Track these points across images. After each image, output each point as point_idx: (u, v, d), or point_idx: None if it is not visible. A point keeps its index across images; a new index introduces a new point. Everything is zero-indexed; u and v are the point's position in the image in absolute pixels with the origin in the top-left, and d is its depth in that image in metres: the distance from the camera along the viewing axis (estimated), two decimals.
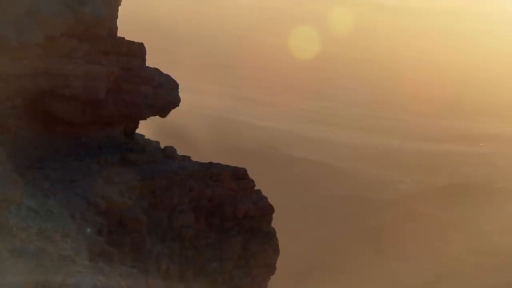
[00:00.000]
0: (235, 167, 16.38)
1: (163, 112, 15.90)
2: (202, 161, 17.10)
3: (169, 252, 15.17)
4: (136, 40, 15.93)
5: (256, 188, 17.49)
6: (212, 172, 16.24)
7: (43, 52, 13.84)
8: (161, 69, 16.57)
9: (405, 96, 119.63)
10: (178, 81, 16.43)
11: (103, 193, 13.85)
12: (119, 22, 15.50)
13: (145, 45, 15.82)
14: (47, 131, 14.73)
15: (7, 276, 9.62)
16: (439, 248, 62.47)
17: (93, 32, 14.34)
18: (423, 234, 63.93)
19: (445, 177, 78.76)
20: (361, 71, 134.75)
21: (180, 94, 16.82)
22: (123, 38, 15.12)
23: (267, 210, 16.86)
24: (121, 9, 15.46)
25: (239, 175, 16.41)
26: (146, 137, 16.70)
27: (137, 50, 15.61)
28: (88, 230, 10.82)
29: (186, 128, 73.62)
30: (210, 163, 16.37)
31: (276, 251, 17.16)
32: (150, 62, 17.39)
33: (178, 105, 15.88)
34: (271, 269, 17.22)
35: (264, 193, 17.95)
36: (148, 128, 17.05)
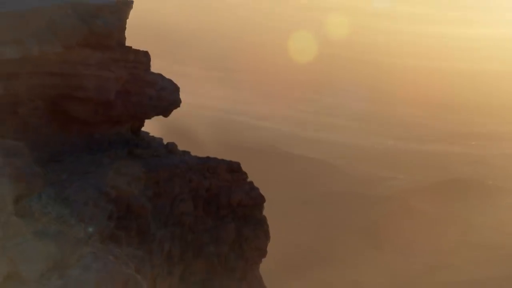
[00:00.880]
0: (230, 161, 17.12)
1: (165, 112, 16.71)
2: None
3: (171, 236, 15.69)
4: (143, 46, 16.66)
5: (257, 184, 18.13)
6: (209, 166, 16.89)
7: (61, 60, 14.43)
8: (166, 71, 17.44)
9: (400, 98, 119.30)
10: (182, 83, 17.27)
11: (113, 183, 14.25)
12: (128, 28, 16.03)
13: (152, 49, 16.55)
14: (64, 129, 15.28)
15: (30, 254, 9.99)
16: (432, 242, 61.76)
17: (104, 42, 15.04)
18: (417, 228, 62.79)
19: (438, 174, 77.83)
20: (357, 73, 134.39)
21: (184, 95, 17.60)
22: (130, 47, 15.86)
23: (259, 200, 17.54)
24: (130, 16, 15.94)
25: (234, 168, 17.15)
26: (151, 134, 17.36)
27: (143, 57, 16.33)
28: (90, 229, 10.85)
29: (190, 127, 73.67)
30: (208, 158, 17.11)
31: (267, 236, 17.75)
32: (156, 64, 18.23)
33: (179, 106, 16.67)
34: (263, 253, 17.83)
35: (265, 189, 18.68)
36: (152, 126, 17.70)
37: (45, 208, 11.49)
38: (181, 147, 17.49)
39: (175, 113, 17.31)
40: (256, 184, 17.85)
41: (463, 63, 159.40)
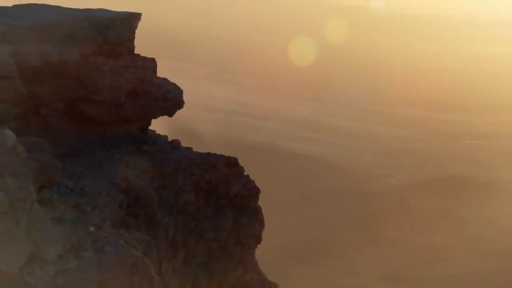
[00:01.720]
0: (228, 156, 17.62)
1: (170, 112, 17.28)
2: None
3: (175, 223, 16.14)
4: (152, 49, 17.48)
5: (259, 181, 18.23)
6: (210, 160, 17.24)
7: (78, 67, 14.82)
8: (174, 74, 18.14)
9: (397, 99, 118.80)
10: (187, 84, 17.93)
11: (123, 175, 14.77)
12: (139, 34, 16.50)
13: (160, 52, 17.24)
14: (80, 128, 15.71)
15: (50, 238, 10.28)
16: (427, 236, 61.44)
17: (116, 51, 15.52)
18: (412, 222, 62.78)
19: (433, 172, 77.70)
20: (355, 75, 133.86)
21: (189, 96, 18.43)
22: (139, 54, 16.41)
23: (254, 191, 17.93)
24: (141, 23, 16.46)
25: (232, 163, 17.62)
26: (157, 132, 17.82)
27: (150, 63, 16.71)
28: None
29: (195, 126, 73.96)
30: (208, 153, 17.54)
31: (262, 224, 18.13)
32: (164, 66, 18.93)
33: (182, 107, 17.24)
34: (258, 239, 18.17)
35: (266, 185, 19.14)
36: (158, 125, 18.22)
37: (63, 197, 11.95)
38: (185, 144, 17.96)
39: (179, 113, 17.87)
40: (257, 180, 18.08)
41: (460, 64, 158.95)
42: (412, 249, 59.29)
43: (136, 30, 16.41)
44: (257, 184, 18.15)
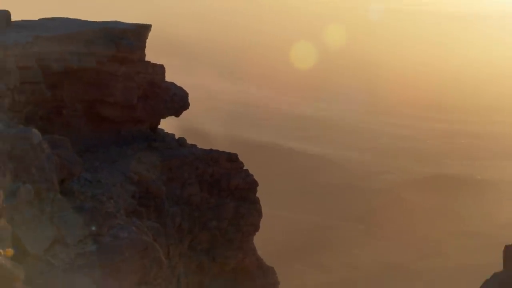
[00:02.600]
0: (229, 153, 17.89)
1: (177, 113, 17.77)
2: None
3: (181, 213, 16.47)
4: (161, 55, 17.94)
5: (261, 177, 18.35)
6: (212, 156, 17.52)
7: (95, 73, 15.43)
8: (182, 76, 18.61)
9: (394, 100, 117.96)
10: (194, 86, 18.36)
11: (135, 169, 15.26)
12: (151, 39, 16.79)
13: (170, 58, 17.69)
14: (97, 127, 16.22)
15: (71, 224, 10.74)
16: (423, 231, 60.43)
17: (129, 58, 16.01)
18: (408, 218, 61.58)
19: (429, 169, 76.27)
20: (354, 78, 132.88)
21: (196, 97, 18.93)
22: (149, 61, 16.90)
23: (253, 184, 18.01)
24: (153, 30, 16.83)
25: (232, 158, 17.77)
26: (165, 131, 18.16)
27: (159, 69, 17.15)
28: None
29: (202, 126, 74.21)
30: (211, 149, 17.76)
31: (259, 214, 18.20)
32: (173, 71, 19.40)
33: (188, 108, 17.66)
34: (256, 228, 18.27)
35: (269, 181, 19.07)
36: (166, 124, 18.47)
37: (83, 189, 12.39)
38: (192, 141, 18.35)
39: (186, 113, 18.29)
40: (260, 177, 18.16)
41: (456, 67, 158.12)
42: (408, 242, 58.45)
43: (148, 38, 16.81)
44: (260, 180, 18.07)
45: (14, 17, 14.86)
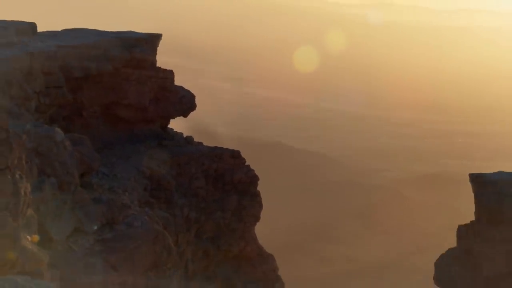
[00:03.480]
0: (232, 150, 18.10)
1: (185, 114, 18.04)
2: None
3: (189, 204, 16.71)
4: (171, 59, 18.34)
5: (265, 174, 18.22)
6: (217, 153, 17.76)
7: (111, 77, 15.85)
8: (190, 79, 18.84)
9: (393, 101, 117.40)
10: (204, 88, 18.69)
11: (147, 165, 15.50)
12: (163, 45, 17.06)
13: (179, 61, 18.14)
14: (113, 126, 16.57)
15: (90, 214, 11.13)
16: (421, 225, 59.81)
17: (141, 64, 16.39)
18: (407, 213, 60.92)
19: (427, 167, 75.58)
20: (354, 81, 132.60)
21: (204, 99, 19.21)
22: (160, 67, 17.08)
23: (254, 179, 18.27)
24: (164, 36, 17.16)
25: (235, 155, 18.01)
26: (174, 130, 18.52)
27: (169, 74, 17.42)
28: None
29: (211, 126, 74.40)
30: (216, 147, 18.02)
31: (260, 206, 18.45)
32: (183, 73, 19.50)
33: (195, 109, 18.01)
34: (257, 218, 18.57)
35: (272, 178, 19.03)
36: (175, 124, 18.76)
37: (100, 182, 12.69)
38: (202, 140, 18.66)
39: (194, 113, 18.58)
40: (265, 173, 18.12)
41: (453, 69, 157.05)
42: (406, 236, 57.88)
43: (160, 44, 17.26)
44: (264, 177, 18.30)
45: (39, 28, 15.22)
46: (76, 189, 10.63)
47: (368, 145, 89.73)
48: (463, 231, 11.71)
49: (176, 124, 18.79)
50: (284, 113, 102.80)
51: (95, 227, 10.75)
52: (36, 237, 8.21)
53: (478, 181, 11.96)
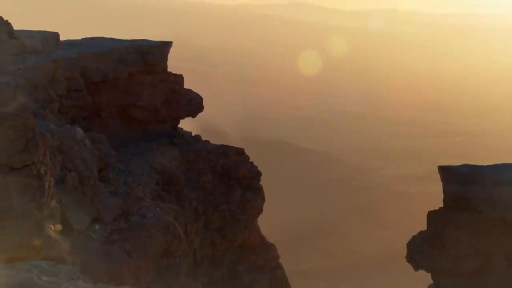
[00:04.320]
0: (237, 147, 18.43)
1: (193, 114, 18.50)
2: None
3: (197, 197, 17.00)
4: (179, 63, 18.55)
5: (270, 171, 18.63)
6: (223, 150, 18.06)
7: (127, 81, 16.31)
8: (199, 82, 19.20)
9: (392, 102, 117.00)
10: (212, 90, 19.02)
11: (159, 161, 15.78)
12: (174, 51, 17.43)
13: (188, 65, 18.50)
14: (128, 126, 16.92)
15: (107, 206, 11.44)
16: (420, 220, 61.08)
17: (154, 70, 16.80)
18: (407, 209, 59.44)
19: (425, 165, 72.88)
20: (355, 83, 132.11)
21: (211, 100, 19.60)
22: (171, 72, 17.52)
23: (257, 174, 18.53)
24: (177, 42, 17.58)
25: (239, 152, 18.31)
26: (184, 129, 18.84)
27: (179, 78, 17.80)
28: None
29: (219, 126, 74.66)
30: (222, 145, 18.33)
31: (263, 199, 18.66)
32: (193, 76, 19.74)
33: (202, 110, 18.41)
34: (259, 211, 18.80)
35: (277, 175, 19.15)
36: (185, 124, 19.02)
37: (116, 177, 12.98)
38: (207, 138, 18.87)
39: (205, 114, 18.93)
40: (270, 171, 18.28)
41: (451, 71, 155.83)
42: (406, 231, 56.95)
43: (172, 50, 17.75)
44: (269, 174, 18.46)
45: (62, 37, 15.70)
46: (95, 183, 10.88)
47: (369, 144, 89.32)
48: (432, 216, 12.50)
49: (186, 124, 19.09)
50: (288, 113, 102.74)
51: (112, 218, 11.03)
52: (59, 227, 8.49)
53: (446, 172, 12.68)
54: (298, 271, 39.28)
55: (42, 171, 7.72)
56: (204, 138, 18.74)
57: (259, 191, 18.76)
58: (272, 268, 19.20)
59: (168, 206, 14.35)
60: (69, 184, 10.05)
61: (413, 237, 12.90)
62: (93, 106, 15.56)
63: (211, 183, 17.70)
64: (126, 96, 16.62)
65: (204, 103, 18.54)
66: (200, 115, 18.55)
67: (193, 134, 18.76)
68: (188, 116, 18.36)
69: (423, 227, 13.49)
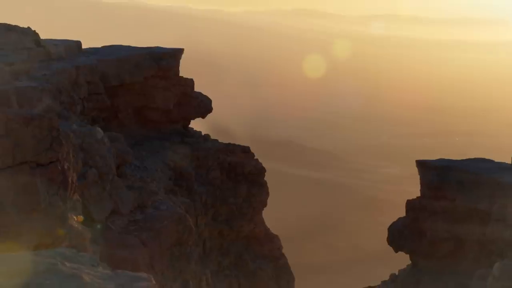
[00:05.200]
0: (243, 146, 18.63)
1: (203, 115, 18.50)
2: None
3: (206, 192, 17.17)
4: (191, 67, 18.44)
5: (277, 170, 18.58)
6: (230, 148, 18.31)
7: (142, 85, 16.53)
8: (210, 85, 19.24)
9: (393, 103, 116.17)
10: (222, 93, 19.12)
11: (172, 158, 15.97)
12: (187, 56, 17.57)
13: (199, 70, 18.75)
14: (144, 126, 17.10)
15: (124, 199, 11.41)
16: None
17: (167, 74, 17.00)
18: None
19: None
20: (358, 86, 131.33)
21: (222, 102, 19.66)
22: (182, 76, 17.67)
23: (262, 170, 18.62)
24: (188, 49, 17.88)
25: (245, 150, 18.53)
26: (194, 129, 18.97)
27: (190, 82, 17.97)
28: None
29: (229, 126, 75.04)
30: (229, 143, 18.51)
31: (267, 194, 18.83)
32: (204, 79, 20.03)
33: (211, 112, 18.54)
34: (264, 204, 18.99)
35: (283, 173, 19.34)
36: (195, 124, 19.22)
37: (133, 172, 13.06)
38: (216, 137, 19.06)
39: (215, 115, 19.14)
40: (276, 169, 18.39)
41: (447, 73, 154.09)
42: None
43: (183, 57, 17.97)
44: (276, 171, 18.34)
45: (84, 46, 16.14)
46: (113, 178, 11.12)
47: (371, 144, 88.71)
48: (411, 205, 12.83)
49: (196, 124, 19.23)
50: (294, 115, 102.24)
51: (129, 210, 11.25)
52: (80, 217, 8.62)
53: (423, 166, 13.08)
54: (303, 265, 39.19)
55: (65, 167, 7.92)
56: (213, 137, 18.95)
57: (263, 186, 18.92)
58: (276, 257, 19.47)
59: (180, 199, 14.56)
60: (90, 179, 10.27)
61: (394, 223, 13.38)
62: (112, 108, 15.77)
63: (219, 178, 17.82)
64: (142, 98, 16.85)
65: (215, 105, 18.66)
66: (210, 116, 18.67)
67: (202, 134, 18.92)
68: (198, 117, 18.55)
69: None
